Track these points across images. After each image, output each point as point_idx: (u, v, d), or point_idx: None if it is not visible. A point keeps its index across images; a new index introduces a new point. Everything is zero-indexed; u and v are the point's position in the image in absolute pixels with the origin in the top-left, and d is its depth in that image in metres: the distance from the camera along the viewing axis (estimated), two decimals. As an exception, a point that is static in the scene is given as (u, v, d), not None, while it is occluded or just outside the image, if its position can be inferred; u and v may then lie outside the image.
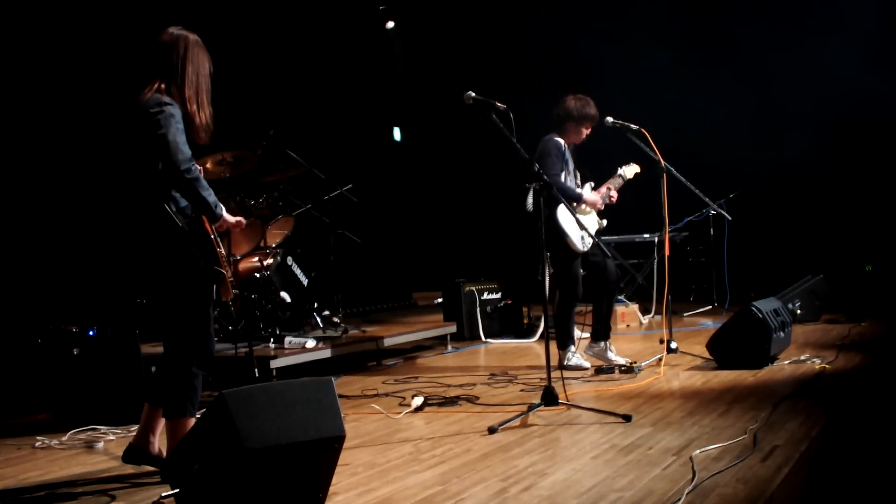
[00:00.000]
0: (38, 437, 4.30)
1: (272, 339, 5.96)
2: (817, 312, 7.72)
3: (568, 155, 5.77)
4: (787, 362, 5.50)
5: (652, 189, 5.97)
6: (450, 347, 7.28)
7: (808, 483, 3.05)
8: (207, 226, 3.43)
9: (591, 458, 3.45)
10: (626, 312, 8.34)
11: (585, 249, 5.71)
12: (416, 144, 11.69)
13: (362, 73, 10.50)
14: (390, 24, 11.22)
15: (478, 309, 7.82)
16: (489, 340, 7.65)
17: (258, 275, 6.12)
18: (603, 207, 5.89)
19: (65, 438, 4.29)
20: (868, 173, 9.54)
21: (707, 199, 6.35)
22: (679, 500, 2.83)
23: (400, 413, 4.53)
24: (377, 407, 4.69)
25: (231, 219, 3.54)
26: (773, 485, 2.96)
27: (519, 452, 3.60)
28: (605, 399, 4.67)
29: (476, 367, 6.20)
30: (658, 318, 8.45)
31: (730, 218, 7.19)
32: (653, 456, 3.42)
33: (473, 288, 7.88)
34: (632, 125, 5.84)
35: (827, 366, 5.28)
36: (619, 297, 8.06)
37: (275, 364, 5.40)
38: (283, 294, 6.29)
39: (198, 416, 3.35)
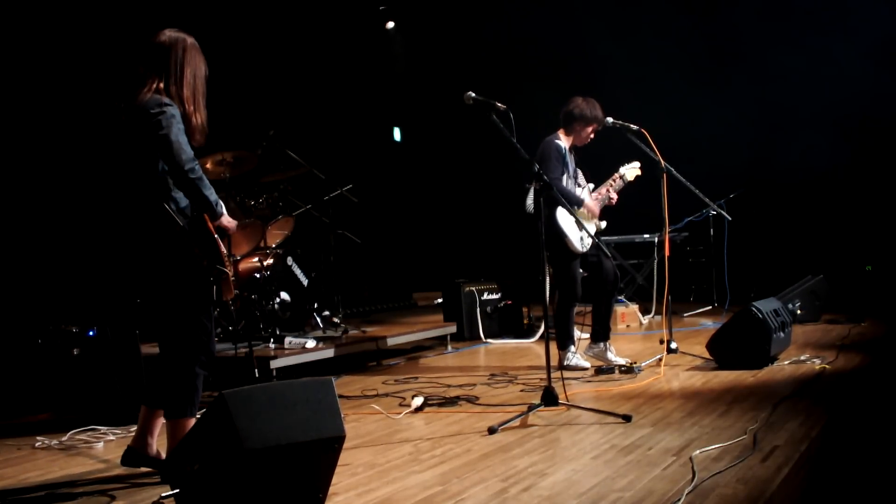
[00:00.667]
0: (38, 438, 4.30)
1: (272, 340, 5.96)
2: (817, 313, 7.72)
3: (569, 157, 5.77)
4: (787, 362, 5.50)
5: (652, 189, 5.97)
6: (450, 348, 7.28)
7: (808, 483, 3.05)
8: (209, 224, 3.43)
9: (591, 458, 3.45)
10: (626, 313, 8.34)
11: (585, 250, 5.72)
12: (416, 144, 11.70)
13: (362, 73, 10.51)
14: (390, 25, 11.23)
15: (478, 309, 7.82)
16: (489, 341, 7.65)
17: (258, 275, 6.12)
18: (598, 213, 5.88)
19: (65, 438, 4.29)
20: (868, 174, 9.53)
21: (707, 200, 6.35)
22: (679, 500, 2.83)
23: (400, 413, 4.53)
24: (377, 407, 4.69)
25: (228, 222, 3.54)
26: (773, 485, 2.96)
27: (519, 453, 3.60)
28: (604, 399, 4.67)
29: (476, 368, 6.20)
30: (658, 318, 8.45)
31: (730, 218, 7.19)
32: (653, 456, 3.42)
33: (473, 288, 7.88)
34: (632, 125, 5.84)
35: (827, 366, 5.28)
36: (619, 298, 8.06)
37: (275, 364, 5.40)
38: (284, 294, 6.30)
39: (198, 416, 3.35)
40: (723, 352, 5.52)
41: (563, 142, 5.75)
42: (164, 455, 3.52)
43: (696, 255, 9.92)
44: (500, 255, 10.60)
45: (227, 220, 3.53)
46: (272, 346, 5.89)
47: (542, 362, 4.49)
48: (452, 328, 7.40)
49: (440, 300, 8.80)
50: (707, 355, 5.64)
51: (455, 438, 3.92)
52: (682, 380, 5.20)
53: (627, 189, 5.95)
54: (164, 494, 2.99)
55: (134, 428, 3.63)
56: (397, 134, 11.72)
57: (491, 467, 3.39)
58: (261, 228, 6.24)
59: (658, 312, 8.49)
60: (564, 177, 5.66)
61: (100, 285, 6.21)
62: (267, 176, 6.65)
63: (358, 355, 6.41)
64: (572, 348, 5.75)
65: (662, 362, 5.62)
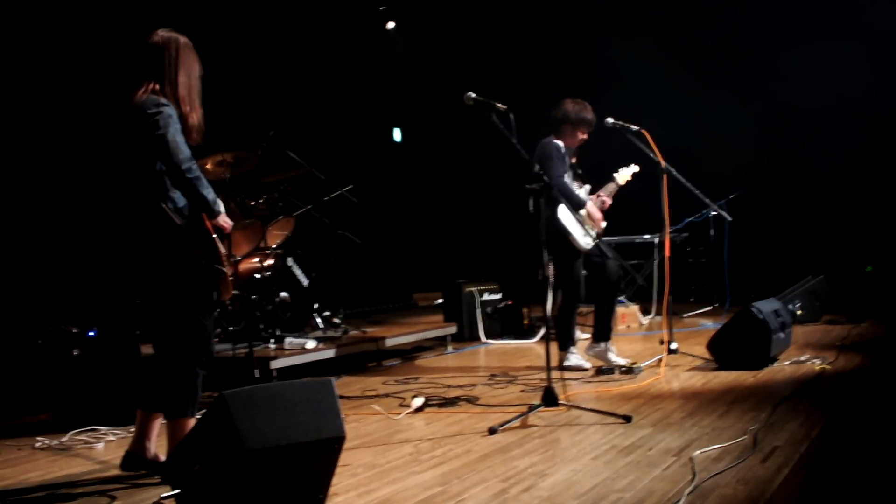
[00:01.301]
0: (39, 438, 4.30)
1: (272, 340, 5.96)
2: (817, 313, 7.72)
3: (567, 157, 5.77)
4: (787, 363, 5.50)
5: (652, 190, 5.96)
6: (450, 348, 7.28)
7: (808, 483, 3.05)
8: (208, 224, 3.43)
9: (591, 458, 3.45)
10: (627, 313, 8.34)
11: (589, 247, 5.70)
12: (417, 145, 11.69)
13: (362, 73, 10.51)
14: (390, 25, 11.23)
15: (478, 310, 7.82)
16: (489, 341, 7.65)
17: (258, 275, 6.12)
18: (600, 218, 5.87)
19: (65, 439, 4.29)
20: (868, 174, 9.53)
21: (707, 200, 6.35)
22: (679, 500, 2.83)
23: (400, 414, 4.53)
24: (377, 408, 4.69)
25: (225, 222, 3.54)
26: (773, 485, 2.96)
27: (519, 453, 3.60)
28: (605, 400, 4.67)
29: (476, 368, 6.20)
30: (658, 318, 8.44)
31: (730, 219, 7.19)
32: (653, 457, 3.42)
33: (474, 289, 7.87)
34: (632, 126, 5.83)
35: (827, 366, 5.28)
36: (620, 298, 8.06)
37: (275, 365, 5.40)
38: (284, 294, 6.30)
39: (198, 416, 3.35)
40: (723, 352, 5.52)
41: (561, 142, 5.75)
42: (162, 457, 3.52)
43: (697, 256, 9.92)
44: (501, 256, 10.59)
45: (224, 220, 3.53)
46: (272, 346, 5.89)
47: (543, 363, 4.49)
48: (453, 329, 7.40)
49: (440, 301, 8.79)
50: (707, 356, 5.64)
51: (455, 439, 3.92)
52: (683, 380, 5.20)
53: (628, 189, 5.94)
54: (164, 495, 2.99)
55: (134, 428, 3.63)
56: (397, 134, 11.72)
57: (491, 468, 3.39)
58: (261, 229, 6.24)
59: (658, 313, 8.49)
60: (566, 176, 5.66)
61: (100, 286, 6.21)
62: (267, 176, 6.65)
63: (358, 356, 6.41)
64: (573, 349, 5.75)
65: (663, 363, 5.62)
